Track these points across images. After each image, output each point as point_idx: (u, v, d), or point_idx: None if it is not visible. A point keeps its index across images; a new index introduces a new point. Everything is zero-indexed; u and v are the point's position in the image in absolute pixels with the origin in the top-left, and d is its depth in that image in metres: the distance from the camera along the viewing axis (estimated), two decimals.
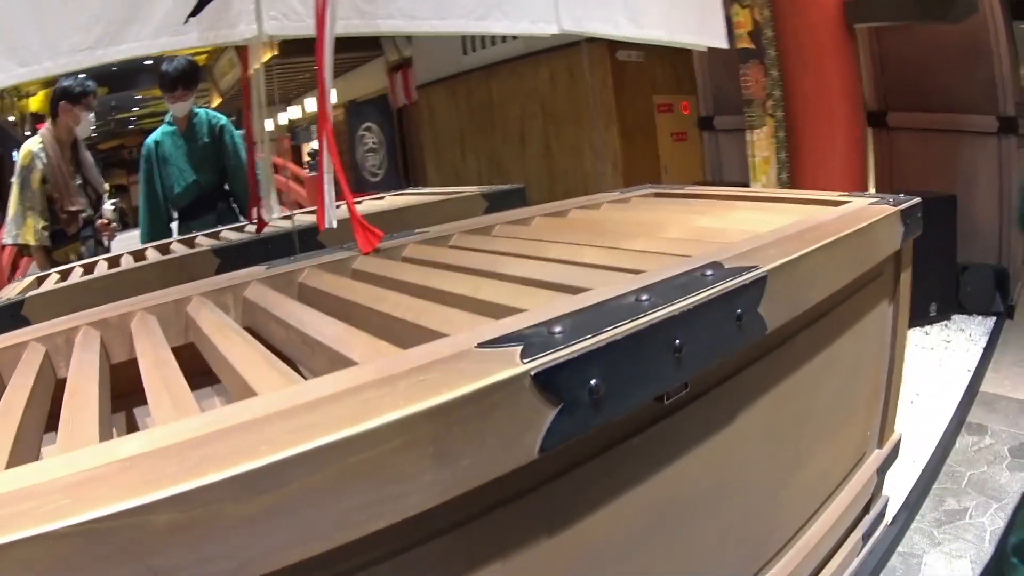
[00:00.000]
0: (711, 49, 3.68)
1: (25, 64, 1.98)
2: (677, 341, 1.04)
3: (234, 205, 4.76)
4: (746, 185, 4.81)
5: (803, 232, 1.58)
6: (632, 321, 0.99)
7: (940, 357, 4.28)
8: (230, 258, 2.79)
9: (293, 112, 18.42)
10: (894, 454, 2.16)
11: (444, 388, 0.81)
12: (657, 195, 2.64)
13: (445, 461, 0.80)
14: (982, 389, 3.75)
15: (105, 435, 1.01)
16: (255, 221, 3.39)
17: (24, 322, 2.30)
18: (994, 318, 4.82)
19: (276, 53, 12.38)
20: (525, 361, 0.87)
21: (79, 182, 4.28)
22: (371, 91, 11.99)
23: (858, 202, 2.06)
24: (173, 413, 1.01)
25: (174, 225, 4.75)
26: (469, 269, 1.67)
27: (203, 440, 0.77)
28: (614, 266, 1.48)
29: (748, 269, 1.24)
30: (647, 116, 7.62)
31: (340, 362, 1.11)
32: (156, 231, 4.56)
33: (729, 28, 3.85)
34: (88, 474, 0.72)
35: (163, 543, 0.66)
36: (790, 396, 1.52)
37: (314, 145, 18.08)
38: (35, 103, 18.24)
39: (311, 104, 17.44)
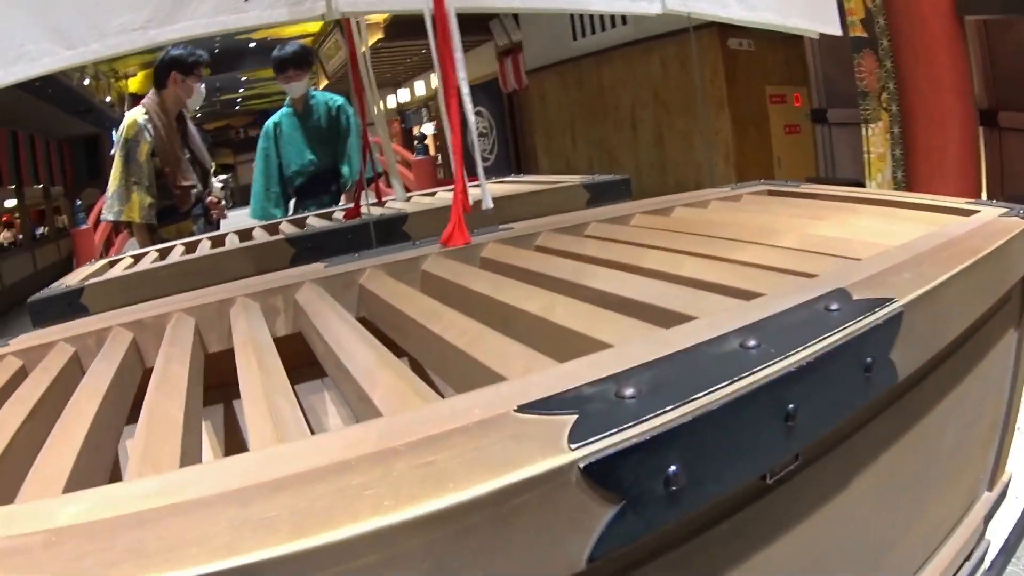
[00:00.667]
0: (822, 38, 3.37)
1: (72, 47, 1.88)
2: (791, 406, 0.76)
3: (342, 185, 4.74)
4: (860, 183, 4.49)
5: (938, 250, 1.26)
6: (734, 382, 0.71)
7: None
8: (306, 248, 2.62)
9: (402, 95, 18.43)
10: (1003, 496, 1.82)
11: (451, 482, 0.56)
12: (770, 193, 2.33)
13: None
14: None
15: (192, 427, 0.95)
16: (344, 207, 3.30)
17: (83, 310, 2.20)
18: None
19: (382, 36, 12.34)
20: (574, 447, 0.60)
21: (187, 156, 4.09)
22: (481, 76, 11.90)
23: (987, 212, 1.73)
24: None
25: (291, 205, 4.76)
26: (549, 279, 1.44)
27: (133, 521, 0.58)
28: (719, 284, 1.21)
29: (881, 303, 0.95)
30: (759, 107, 7.28)
31: (363, 402, 0.95)
32: (268, 209, 4.57)
33: (841, 14, 3.53)
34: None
35: None
36: (910, 449, 1.21)
37: (424, 128, 18.07)
38: (134, 84, 18.65)
39: (420, 87, 17.44)
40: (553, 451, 0.59)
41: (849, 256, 1.32)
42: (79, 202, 10.20)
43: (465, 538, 0.55)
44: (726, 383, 0.71)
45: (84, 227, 10.00)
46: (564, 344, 1.06)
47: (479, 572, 0.57)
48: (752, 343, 0.80)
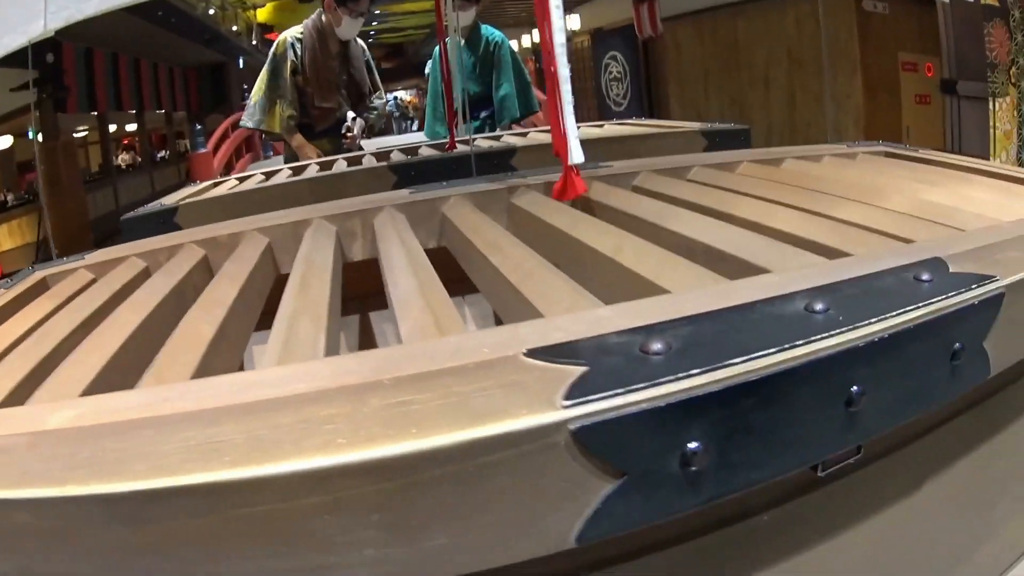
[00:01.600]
0: (955, 5, 3.14)
1: None
2: (855, 388, 0.62)
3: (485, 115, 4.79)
4: (985, 159, 4.24)
5: None
6: (785, 350, 0.58)
7: None
8: (408, 176, 2.59)
9: (536, 35, 18.26)
10: None
11: (416, 427, 0.48)
12: (888, 155, 2.16)
13: (401, 537, 0.48)
14: None
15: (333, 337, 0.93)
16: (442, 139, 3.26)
17: (175, 229, 2.18)
18: None
19: None
20: (567, 403, 0.49)
21: (344, 79, 4.12)
22: (618, 20, 11.67)
23: None
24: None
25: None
26: (633, 219, 1.36)
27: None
28: (805, 238, 1.08)
29: (981, 279, 0.79)
30: (892, 73, 6.94)
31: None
32: (435, 128, 4.65)
33: None
34: None
35: None
36: (994, 456, 1.04)
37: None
38: (263, 14, 18.82)
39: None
40: (542, 406, 0.48)
41: (954, 226, 1.15)
42: (199, 127, 10.33)
43: (424, 494, 0.46)
44: (774, 350, 0.57)
45: (203, 151, 10.10)
46: (624, 288, 0.97)
47: (441, 535, 0.47)
48: (819, 307, 0.66)
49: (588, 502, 0.50)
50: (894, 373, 0.67)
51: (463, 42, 4.43)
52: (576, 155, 1.68)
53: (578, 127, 3.44)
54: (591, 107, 12.50)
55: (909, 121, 7.06)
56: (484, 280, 1.20)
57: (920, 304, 0.70)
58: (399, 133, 17.38)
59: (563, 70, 1.68)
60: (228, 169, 10.61)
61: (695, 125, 3.15)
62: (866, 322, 0.64)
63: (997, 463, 1.05)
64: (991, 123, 3.65)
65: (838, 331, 0.62)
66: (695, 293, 0.75)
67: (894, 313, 0.67)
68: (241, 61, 18.03)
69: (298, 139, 3.96)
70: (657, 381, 0.51)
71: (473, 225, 1.43)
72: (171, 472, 0.47)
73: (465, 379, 0.55)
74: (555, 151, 1.66)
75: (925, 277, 0.77)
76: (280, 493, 0.46)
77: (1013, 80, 3.60)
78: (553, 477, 0.48)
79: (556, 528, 0.50)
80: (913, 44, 6.84)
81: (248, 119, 3.98)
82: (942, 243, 0.94)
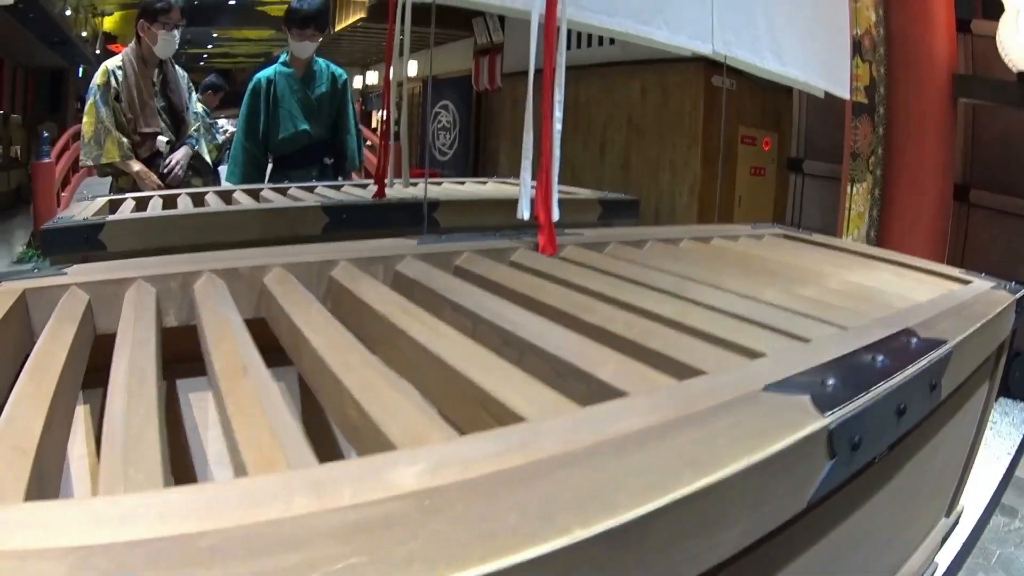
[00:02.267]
0: (806, 93, 3.82)
1: None
2: (903, 404, 1.16)
3: (329, 161, 4.68)
4: (830, 233, 4.95)
5: (958, 310, 1.71)
6: (882, 384, 1.10)
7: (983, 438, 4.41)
8: (340, 219, 2.76)
9: (370, 77, 18.53)
10: (956, 524, 2.29)
11: (762, 438, 0.85)
12: (787, 237, 2.76)
13: (756, 510, 0.85)
14: (1018, 474, 3.94)
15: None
16: (364, 183, 3.38)
17: (100, 246, 2.32)
18: None
19: (364, 16, 12.54)
20: (826, 414, 0.95)
21: (161, 104, 4.24)
22: (454, 70, 12.11)
23: (979, 284, 2.20)
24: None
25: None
26: (653, 287, 1.68)
27: None
28: (810, 314, 1.55)
29: (941, 342, 1.37)
30: (730, 145, 7.70)
31: (585, 381, 1.13)
32: (251, 172, 4.48)
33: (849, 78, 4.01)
34: None
35: None
36: (918, 468, 1.66)
37: (381, 115, 17.94)
38: (109, 22, 18.52)
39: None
40: (811, 417, 0.95)
41: (896, 305, 1.74)
42: (46, 134, 9.87)
43: (771, 477, 0.86)
44: (877, 384, 1.09)
45: (47, 160, 9.63)
46: (729, 350, 1.30)
47: (769, 503, 0.88)
48: (880, 358, 1.20)
49: (819, 477, 0.95)
50: (916, 394, 1.23)
51: (299, 77, 4.45)
52: (556, 214, 2.01)
53: (462, 182, 3.87)
54: (413, 153, 12.75)
55: (741, 191, 7.90)
56: (590, 334, 1.34)
57: (920, 358, 1.27)
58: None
59: (556, 125, 2.06)
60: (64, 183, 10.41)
61: (591, 193, 3.73)
62: (906, 368, 1.19)
63: (917, 475, 1.69)
64: (847, 204, 4.33)
65: (897, 372, 1.17)
66: (795, 351, 1.27)
67: (913, 365, 1.23)
68: (81, 70, 17.47)
69: (137, 164, 4.08)
70: (846, 401, 1.02)
71: (515, 280, 1.65)
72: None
73: (746, 409, 0.98)
74: (537, 209, 1.99)
75: (913, 340, 1.34)
76: (706, 497, 0.75)
77: (871, 168, 4.30)
78: (815, 460, 0.94)
79: (804, 495, 0.94)
80: (754, 119, 7.67)
81: (87, 157, 4.07)
82: (903, 317, 1.53)
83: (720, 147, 6.83)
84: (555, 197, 2.04)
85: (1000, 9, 4.47)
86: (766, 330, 1.40)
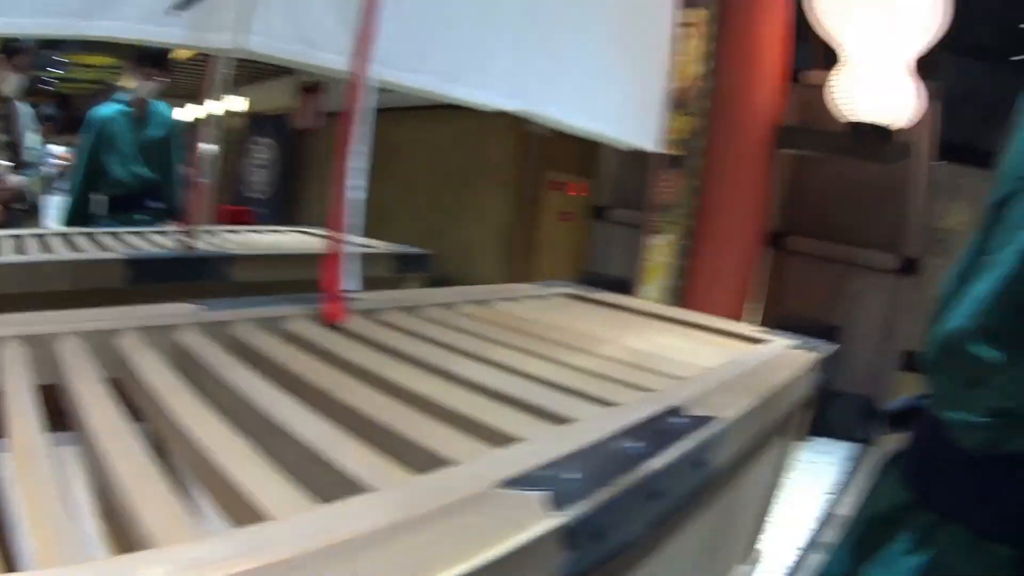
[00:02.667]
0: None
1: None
2: (656, 489, 1.14)
3: (163, 206, 4.61)
4: (630, 283, 5.05)
5: (742, 378, 1.74)
6: (631, 473, 1.08)
7: (801, 478, 4.57)
8: (142, 272, 2.74)
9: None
10: (753, 569, 2.39)
11: (488, 543, 0.84)
12: (573, 296, 2.78)
13: None
14: (838, 512, 4.06)
15: None
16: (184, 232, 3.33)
17: None
18: (858, 444, 5.21)
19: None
20: (560, 511, 0.93)
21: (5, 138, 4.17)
22: (275, 107, 11.93)
23: (778, 343, 2.25)
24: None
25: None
26: (421, 362, 1.67)
27: None
28: (576, 389, 1.55)
29: (710, 419, 1.37)
30: (537, 190, 7.88)
31: (326, 471, 1.11)
32: (83, 213, 4.40)
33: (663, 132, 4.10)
34: None
35: None
36: (700, 525, 1.66)
37: (207, 147, 17.53)
38: None
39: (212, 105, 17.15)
40: (541, 517, 0.92)
41: (672, 374, 1.75)
42: None
43: None
44: (629, 472, 1.08)
45: None
46: (481, 436, 1.28)
47: None
48: (635, 444, 1.18)
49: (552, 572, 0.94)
50: (675, 480, 1.21)
51: (136, 117, 4.41)
52: (349, 283, 2.02)
53: (262, 231, 3.78)
54: (234, 191, 12.60)
55: (547, 236, 8.08)
56: (344, 419, 1.32)
57: (681, 436, 1.26)
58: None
59: (353, 191, 2.07)
60: None
61: (385, 246, 3.72)
62: (662, 451, 1.17)
63: (710, 532, 1.68)
64: (648, 256, 4.40)
65: (651, 457, 1.15)
66: (549, 434, 1.23)
67: (672, 445, 1.21)
68: None
69: None
70: (587, 495, 0.98)
71: (290, 357, 1.60)
72: None
73: (478, 507, 0.94)
74: (326, 275, 1.96)
75: (675, 420, 1.34)
76: None
77: (678, 219, 4.39)
78: (546, 561, 0.91)
79: None
80: (564, 165, 7.83)
81: None
82: (674, 392, 1.52)
83: (529, 193, 6.92)
84: (345, 266, 2.04)
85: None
86: (523, 411, 1.39)
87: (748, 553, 2.34)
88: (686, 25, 4.22)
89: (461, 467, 1.08)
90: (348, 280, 2.04)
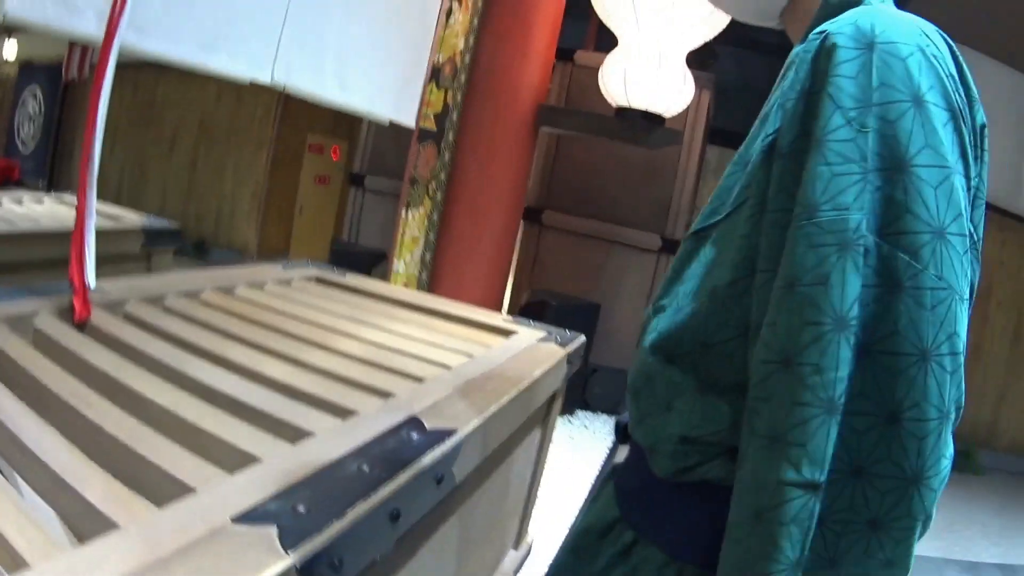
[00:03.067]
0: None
1: None
2: (396, 509, 1.19)
3: None
4: (384, 255, 5.07)
5: (486, 379, 1.80)
6: (367, 499, 1.11)
7: (566, 455, 4.74)
8: None
9: None
10: (527, 554, 2.50)
11: None
12: (319, 281, 2.79)
13: None
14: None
15: None
16: None
17: None
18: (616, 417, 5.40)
19: None
20: (290, 552, 0.95)
21: None
22: (52, 56, 11.30)
23: (526, 334, 2.32)
24: None
25: None
26: (161, 367, 1.65)
27: None
28: (315, 395, 1.58)
29: (448, 433, 1.42)
30: (297, 151, 7.83)
31: (74, 500, 1.12)
32: None
33: (419, 106, 4.12)
34: None
35: None
36: (458, 523, 1.74)
37: None
38: None
39: None
40: (277, 556, 0.95)
41: (412, 374, 1.80)
42: None
43: None
44: (362, 499, 1.11)
45: None
46: (214, 455, 1.30)
47: None
48: (367, 468, 1.21)
49: None
50: (414, 497, 1.27)
51: None
52: (92, 280, 1.92)
53: (20, 201, 3.64)
54: (2, 144, 11.99)
55: (304, 199, 8.06)
56: (81, 435, 1.32)
57: (421, 455, 1.30)
58: None
59: (92, 175, 1.96)
60: None
61: (135, 220, 3.57)
62: (399, 474, 1.22)
63: (457, 529, 1.74)
64: (401, 230, 4.41)
65: (387, 482, 1.19)
66: (278, 454, 1.24)
67: (410, 467, 1.26)
68: None
69: None
70: (320, 528, 1.01)
71: (30, 359, 1.57)
72: None
73: (210, 548, 0.96)
74: (73, 267, 1.87)
75: (415, 436, 1.38)
76: None
77: (430, 193, 4.41)
78: None
79: None
80: (324, 127, 7.80)
81: None
82: (414, 401, 1.57)
83: (288, 154, 6.86)
84: (91, 258, 1.93)
85: (613, 43, 4.78)
86: (258, 424, 1.41)
87: (519, 540, 2.42)
88: None
89: (198, 498, 1.09)
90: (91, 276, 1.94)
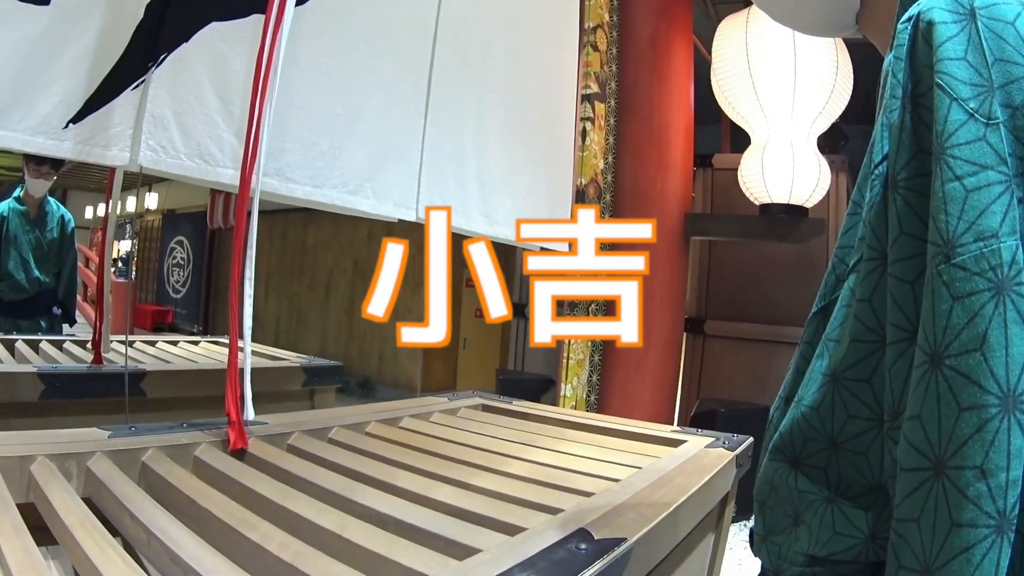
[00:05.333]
0: None
1: None
2: None
3: (57, 312, 4.50)
4: (552, 380, 5.08)
5: (655, 488, 1.76)
6: None
7: (739, 557, 4.61)
8: (56, 387, 2.70)
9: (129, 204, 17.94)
10: None
11: None
12: (485, 408, 2.81)
13: None
14: None
15: None
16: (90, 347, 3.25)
17: None
18: None
19: None
20: None
21: None
22: (191, 205, 11.96)
23: (694, 442, 2.29)
24: None
25: None
26: (324, 492, 1.69)
27: None
28: (482, 515, 1.58)
29: (618, 541, 1.39)
30: (455, 288, 7.93)
31: None
32: None
33: None
34: None
35: None
36: None
37: (124, 245, 17.28)
38: None
39: (130, 202, 16.99)
40: None
41: (582, 490, 1.77)
42: None
43: None
44: None
45: None
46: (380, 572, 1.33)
47: None
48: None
49: None
50: None
51: (32, 218, 4.28)
52: (250, 412, 2.05)
53: (175, 343, 3.79)
54: (152, 290, 12.56)
55: (467, 333, 8.15)
56: (243, 555, 1.34)
57: (588, 566, 1.27)
58: None
59: (247, 311, 2.13)
60: None
61: (295, 359, 3.70)
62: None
63: None
64: (565, 353, 4.43)
65: (595, 563, 1.16)
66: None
67: (580, 570, 1.23)
68: None
69: None
70: None
71: (193, 488, 1.60)
72: None
73: None
74: (228, 401, 1.98)
75: (583, 547, 1.35)
76: None
77: (591, 315, 4.42)
78: None
79: None
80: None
81: None
82: (582, 514, 1.54)
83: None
84: (247, 393, 2.08)
85: (746, 143, 4.80)
86: (426, 544, 1.40)
87: None
88: (586, 120, 4.33)
89: None
90: (247, 408, 2.07)
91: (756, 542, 1.03)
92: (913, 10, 0.82)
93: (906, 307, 0.78)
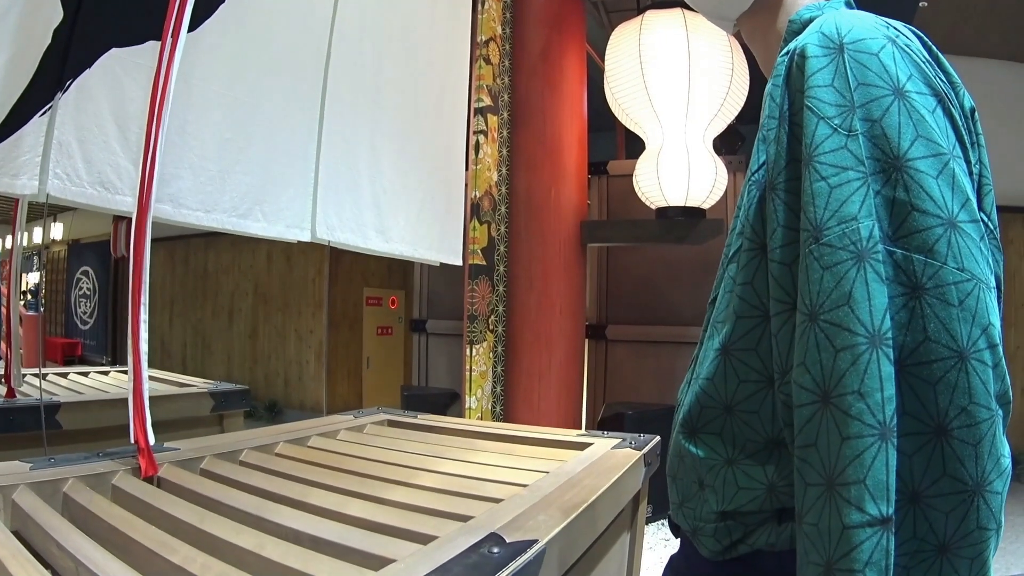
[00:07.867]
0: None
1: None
2: None
3: None
4: (456, 394, 5.10)
5: (564, 490, 1.78)
6: None
7: (661, 555, 4.68)
8: None
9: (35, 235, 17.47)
10: None
11: None
12: (391, 423, 2.83)
13: None
14: None
15: None
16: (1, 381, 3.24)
17: None
18: None
19: None
20: None
21: None
22: (96, 234, 11.69)
23: (601, 444, 2.32)
24: None
25: None
26: (240, 513, 1.70)
27: None
28: (394, 526, 1.59)
29: (530, 543, 1.41)
30: (355, 307, 7.97)
31: None
32: None
33: (464, 243, 4.18)
34: None
35: None
36: None
37: (32, 277, 16.79)
38: None
39: (36, 234, 16.52)
40: None
41: (491, 497, 1.79)
42: None
43: None
44: None
45: None
46: None
47: None
48: None
49: None
50: None
51: None
52: (151, 436, 2.02)
53: (87, 374, 3.73)
54: (61, 322, 12.31)
55: (370, 351, 8.16)
56: None
57: (504, 567, 1.29)
58: None
59: (143, 342, 2.13)
60: None
61: (201, 384, 3.67)
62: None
63: None
64: (468, 366, 4.43)
65: (508, 565, 1.18)
66: None
67: (493, 573, 1.25)
68: None
69: None
70: None
71: (114, 516, 1.61)
72: None
73: None
74: (135, 430, 2.00)
75: (496, 550, 1.37)
76: None
77: (491, 327, 4.45)
78: None
79: None
80: (379, 279, 7.96)
81: None
82: (493, 518, 1.56)
83: (346, 310, 6.97)
84: (148, 419, 2.05)
85: (641, 149, 4.86)
86: (340, 560, 1.41)
87: None
88: (479, 133, 4.35)
89: None
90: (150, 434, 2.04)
91: (672, 509, 1.20)
92: (791, 45, 1.03)
93: (786, 284, 0.98)
